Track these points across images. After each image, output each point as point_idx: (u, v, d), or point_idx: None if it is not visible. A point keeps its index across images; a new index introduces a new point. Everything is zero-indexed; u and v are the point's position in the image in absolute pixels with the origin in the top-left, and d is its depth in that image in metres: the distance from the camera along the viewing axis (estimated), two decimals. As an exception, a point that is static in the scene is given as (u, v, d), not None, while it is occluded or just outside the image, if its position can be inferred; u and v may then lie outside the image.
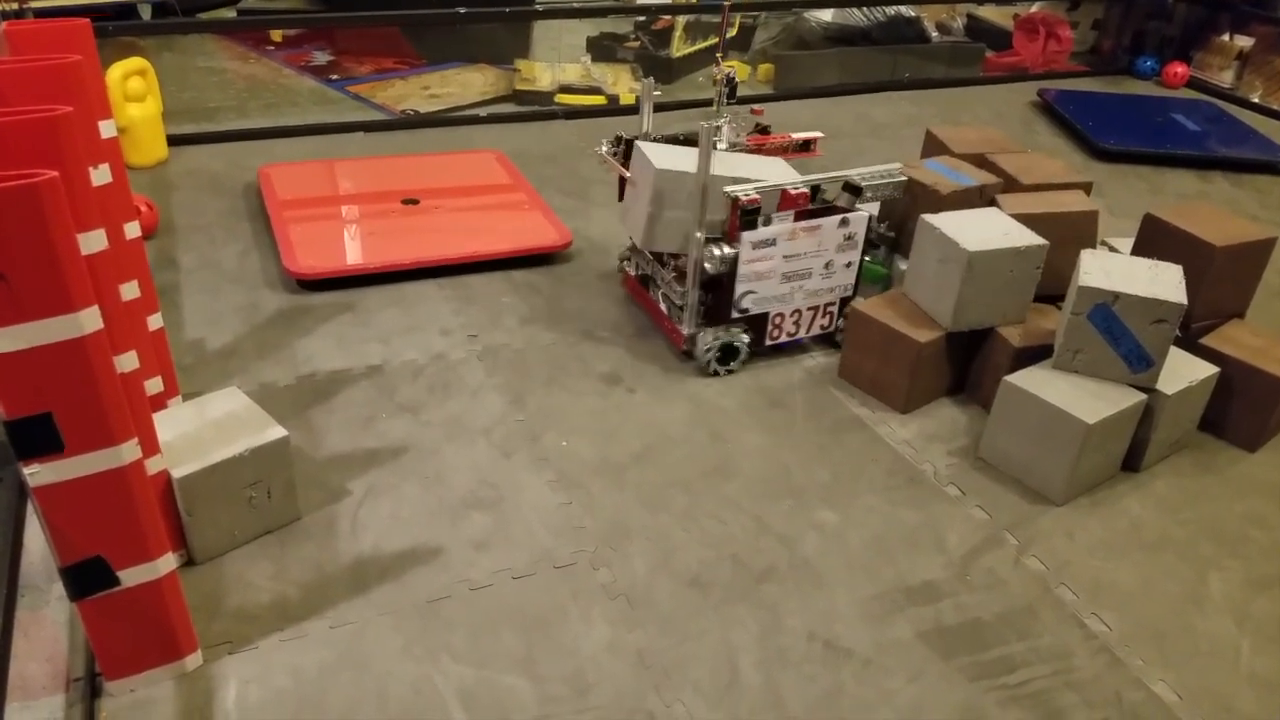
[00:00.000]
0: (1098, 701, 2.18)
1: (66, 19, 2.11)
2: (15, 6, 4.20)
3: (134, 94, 4.30)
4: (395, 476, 2.68)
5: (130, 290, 2.23)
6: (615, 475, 2.75)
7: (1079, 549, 2.61)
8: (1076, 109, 5.86)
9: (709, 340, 3.12)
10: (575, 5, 5.79)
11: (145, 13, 5.26)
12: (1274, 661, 2.32)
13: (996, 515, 2.71)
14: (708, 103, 3.37)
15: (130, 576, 1.89)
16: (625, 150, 3.33)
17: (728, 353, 3.16)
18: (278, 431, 2.37)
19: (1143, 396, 2.76)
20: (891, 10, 6.45)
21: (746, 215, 2.96)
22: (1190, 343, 3.04)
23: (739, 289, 3.08)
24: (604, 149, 3.39)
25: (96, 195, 1.89)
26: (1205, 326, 3.12)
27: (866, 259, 3.30)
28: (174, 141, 4.62)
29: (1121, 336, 2.71)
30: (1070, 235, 3.14)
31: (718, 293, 3.11)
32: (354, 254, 3.64)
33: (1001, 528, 2.66)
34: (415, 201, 4.08)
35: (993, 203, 3.26)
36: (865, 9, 6.35)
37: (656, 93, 3.35)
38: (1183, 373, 2.85)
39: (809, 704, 2.11)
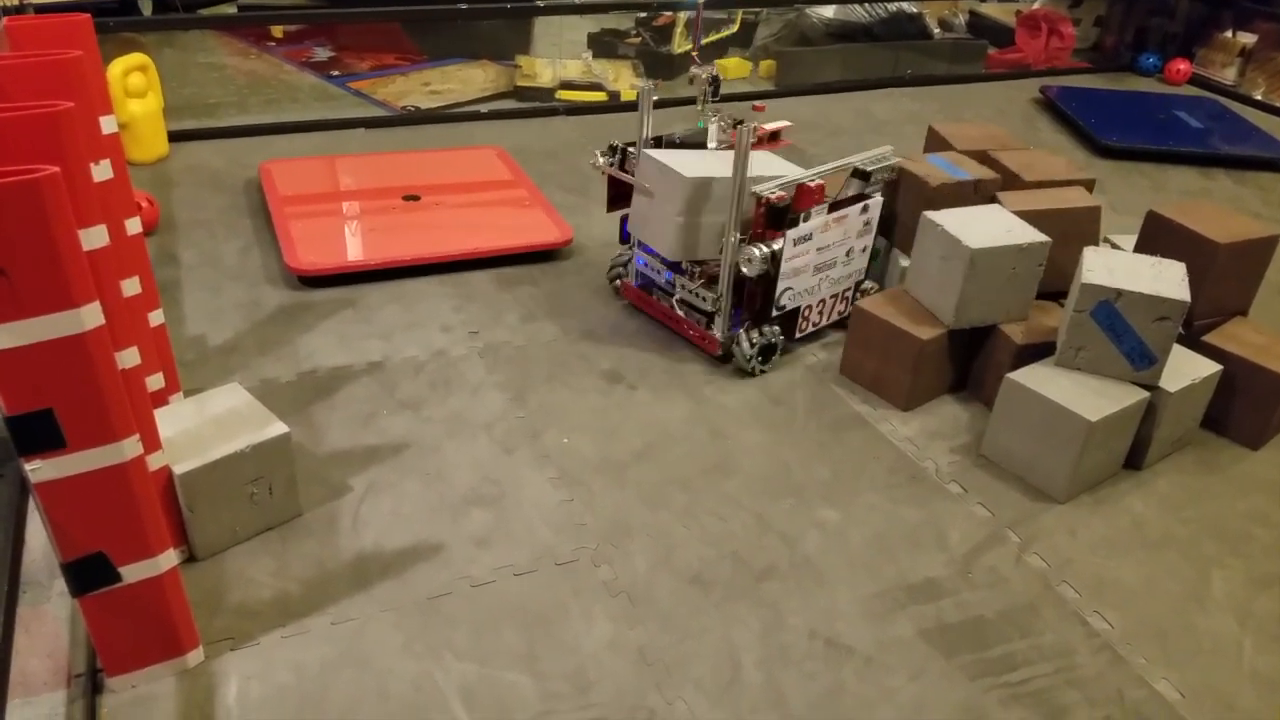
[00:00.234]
0: (1100, 700, 2.17)
1: (67, 14, 2.10)
2: (16, 2, 4.20)
3: (135, 90, 4.30)
4: (396, 473, 2.67)
5: (131, 286, 2.22)
6: (616, 472, 2.74)
7: (1081, 547, 2.60)
8: (1079, 106, 5.85)
9: (754, 339, 3.11)
10: (577, 1, 5.78)
11: (146, 8, 5.27)
12: (1276, 660, 2.31)
13: (998, 513, 2.70)
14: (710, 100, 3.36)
15: (132, 573, 1.89)
16: (621, 158, 3.31)
17: (766, 351, 3.17)
18: (279, 428, 2.37)
19: (1145, 394, 2.75)
20: (893, 6, 6.45)
21: (775, 213, 2.96)
22: (1193, 340, 3.03)
23: (780, 285, 3.07)
24: (601, 161, 3.34)
25: (97, 191, 1.89)
26: (1208, 324, 3.11)
27: None
28: (175, 137, 4.61)
29: (1124, 334, 2.71)
30: (1073, 232, 3.13)
31: (747, 293, 3.10)
32: (355, 250, 3.64)
33: (1003, 525, 2.66)
34: (416, 198, 4.08)
35: (994, 199, 3.25)
36: (867, 5, 6.35)
37: (655, 95, 3.33)
38: (1185, 370, 2.85)
39: (810, 702, 2.11)
